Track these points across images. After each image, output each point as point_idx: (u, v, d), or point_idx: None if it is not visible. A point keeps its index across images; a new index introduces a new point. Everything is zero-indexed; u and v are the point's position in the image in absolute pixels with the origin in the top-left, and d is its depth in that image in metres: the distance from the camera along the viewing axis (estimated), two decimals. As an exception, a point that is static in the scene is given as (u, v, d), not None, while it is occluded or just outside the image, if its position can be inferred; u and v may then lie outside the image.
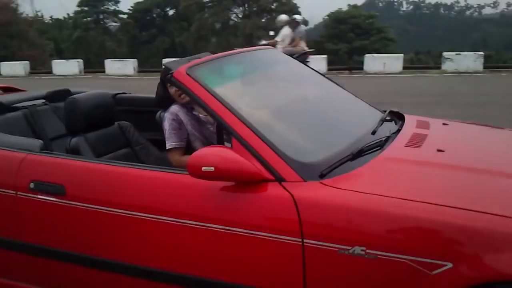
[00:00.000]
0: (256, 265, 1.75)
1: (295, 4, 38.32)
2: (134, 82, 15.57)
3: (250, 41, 38.08)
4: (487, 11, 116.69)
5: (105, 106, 2.65)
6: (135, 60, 20.02)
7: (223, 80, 2.22)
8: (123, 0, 44.09)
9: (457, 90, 10.49)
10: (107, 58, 20.43)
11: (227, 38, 37.89)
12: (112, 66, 19.44)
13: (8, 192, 2.18)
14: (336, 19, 37.80)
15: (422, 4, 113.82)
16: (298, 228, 1.64)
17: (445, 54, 15.13)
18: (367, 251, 1.56)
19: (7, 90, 3.55)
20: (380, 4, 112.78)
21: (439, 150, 1.99)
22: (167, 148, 2.69)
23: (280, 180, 1.74)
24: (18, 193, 2.15)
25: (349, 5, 40.33)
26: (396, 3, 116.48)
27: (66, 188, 2.04)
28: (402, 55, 16.12)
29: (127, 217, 1.94)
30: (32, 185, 2.10)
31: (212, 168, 1.69)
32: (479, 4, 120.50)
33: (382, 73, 14.26)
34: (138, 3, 42.65)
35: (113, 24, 44.60)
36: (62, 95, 3.15)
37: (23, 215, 2.17)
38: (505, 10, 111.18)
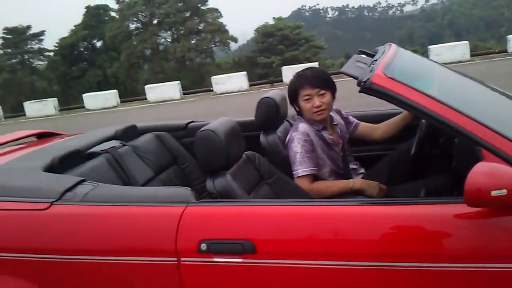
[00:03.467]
0: None
1: (222, 23, 38.69)
2: (54, 122, 15.26)
3: (183, 63, 38.11)
4: (408, 8, 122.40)
5: (237, 135, 2.20)
6: (55, 99, 19.70)
7: (420, 80, 1.88)
8: (47, 38, 42.68)
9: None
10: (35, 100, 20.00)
11: (159, 63, 37.64)
12: (32, 108, 19.02)
13: (166, 261, 1.71)
14: (264, 33, 38.47)
15: (347, 9, 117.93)
16: None
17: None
18: None
19: (43, 136, 3.21)
20: (307, 14, 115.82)
21: None
22: (299, 175, 2.38)
23: None
24: (182, 259, 1.69)
25: (274, 18, 41.13)
26: (322, 11, 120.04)
27: (255, 244, 1.64)
28: (316, 63, 16.66)
29: (346, 269, 1.57)
30: (203, 246, 1.67)
31: (505, 191, 1.36)
32: (399, 3, 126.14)
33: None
34: (62, 39, 41.55)
35: (40, 63, 43.31)
36: (132, 132, 2.90)
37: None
38: (424, 5, 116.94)
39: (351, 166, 2.67)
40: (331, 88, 2.50)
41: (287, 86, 2.60)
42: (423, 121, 2.55)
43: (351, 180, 2.45)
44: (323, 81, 2.48)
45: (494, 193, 1.35)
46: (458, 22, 74.71)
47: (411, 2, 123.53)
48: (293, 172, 2.40)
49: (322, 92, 2.45)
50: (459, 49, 16.50)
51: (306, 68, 2.59)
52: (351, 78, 1.85)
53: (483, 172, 1.40)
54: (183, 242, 1.69)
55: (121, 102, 19.41)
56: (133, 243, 1.77)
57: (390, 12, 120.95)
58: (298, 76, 2.53)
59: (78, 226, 1.85)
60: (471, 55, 16.67)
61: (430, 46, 17.51)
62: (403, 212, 1.61)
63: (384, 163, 2.69)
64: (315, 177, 2.42)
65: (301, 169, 2.37)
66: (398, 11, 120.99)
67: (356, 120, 2.81)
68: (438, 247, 1.52)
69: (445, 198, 1.65)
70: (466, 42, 17.20)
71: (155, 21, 38.99)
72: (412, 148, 2.55)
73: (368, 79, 1.66)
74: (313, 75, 2.49)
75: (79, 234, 1.84)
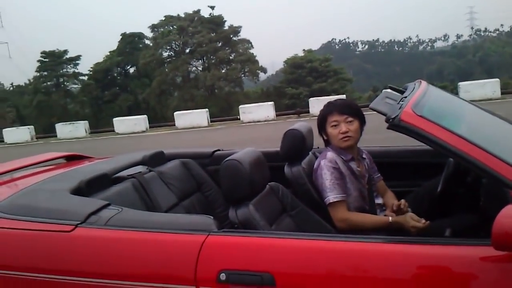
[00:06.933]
0: None
1: (252, 53, 39.31)
2: (84, 144, 15.58)
3: (212, 91, 38.70)
4: (439, 44, 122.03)
5: (262, 166, 2.21)
6: (86, 122, 20.27)
7: (449, 119, 1.88)
8: (82, 62, 44.08)
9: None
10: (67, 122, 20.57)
11: (189, 91, 38.32)
12: (63, 129, 19.53)
13: None
14: (293, 64, 38.86)
15: (377, 43, 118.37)
16: None
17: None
18: None
19: (72, 158, 3.29)
20: (336, 47, 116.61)
21: None
22: (331, 201, 2.36)
23: None
24: None
25: (304, 50, 41.57)
26: (352, 44, 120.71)
27: (274, 276, 1.62)
28: (344, 95, 16.71)
29: None
30: (223, 276, 1.65)
31: None
32: (430, 39, 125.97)
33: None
34: (97, 64, 42.94)
35: (74, 87, 44.65)
36: (159, 158, 2.97)
37: None
38: (456, 42, 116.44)
39: (377, 201, 2.64)
40: (360, 117, 2.51)
41: (314, 117, 2.62)
42: (451, 159, 2.52)
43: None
44: (351, 109, 2.50)
45: None
46: (489, 59, 73.91)
47: (442, 38, 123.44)
48: (325, 199, 2.38)
49: (350, 119, 2.47)
50: (490, 87, 16.28)
51: (337, 99, 2.62)
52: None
53: (511, 215, 1.37)
54: (202, 271, 1.68)
55: (150, 127, 19.73)
56: (153, 269, 1.78)
57: (421, 47, 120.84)
58: (328, 104, 2.58)
59: (101, 250, 1.87)
60: (502, 93, 16.42)
61: (459, 83, 17.32)
62: (428, 252, 1.57)
63: (409, 200, 2.65)
64: None
65: (332, 195, 2.36)
66: (429, 47, 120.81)
67: (379, 174, 2.78)
68: None
69: (471, 240, 1.61)
70: (497, 79, 16.98)
71: (187, 50, 39.98)
72: (439, 186, 2.51)
73: (397, 116, 1.67)
74: (342, 103, 2.54)
75: (101, 257, 1.85)
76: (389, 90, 2.36)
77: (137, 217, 2.00)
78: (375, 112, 1.98)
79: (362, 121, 2.53)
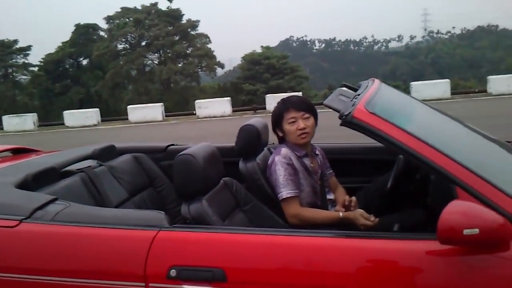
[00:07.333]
0: None
1: (210, 48, 39.03)
2: (32, 138, 15.05)
3: (168, 86, 38.19)
4: (393, 44, 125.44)
5: (216, 161, 2.19)
6: (35, 114, 19.54)
7: (400, 117, 1.89)
8: (35, 53, 42.46)
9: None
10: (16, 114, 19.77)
11: (144, 84, 37.64)
12: (10, 122, 18.84)
13: (133, 286, 1.66)
14: (251, 61, 38.89)
15: (333, 42, 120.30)
16: None
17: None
18: None
19: (19, 151, 3.13)
20: (294, 44, 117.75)
21: None
22: (284, 197, 2.36)
23: None
24: (150, 284, 1.64)
25: (262, 46, 41.68)
26: (309, 42, 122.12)
27: (226, 272, 1.61)
28: (300, 92, 16.88)
29: None
30: (173, 272, 1.63)
31: (477, 231, 1.36)
32: (385, 39, 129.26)
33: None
34: (49, 54, 41.42)
35: (23, 78, 42.92)
36: (109, 152, 2.84)
37: None
38: (409, 43, 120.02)
39: (328, 197, 2.66)
40: (314, 114, 2.54)
41: (270, 114, 2.61)
42: (401, 156, 2.57)
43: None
44: (307, 106, 2.53)
45: (466, 232, 1.36)
46: (441, 60, 76.66)
47: (396, 39, 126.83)
48: (278, 195, 2.39)
49: (307, 115, 2.50)
50: (440, 87, 16.92)
51: (291, 95, 2.64)
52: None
53: (457, 210, 1.41)
54: (152, 267, 1.65)
55: (102, 121, 19.29)
56: (101, 266, 1.73)
57: (376, 47, 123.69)
58: (283, 101, 2.58)
59: (47, 246, 1.81)
60: (452, 93, 17.12)
61: (412, 83, 17.91)
62: (376, 246, 1.61)
63: (360, 195, 2.69)
64: None
65: (285, 191, 2.37)
66: (383, 47, 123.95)
67: (331, 171, 2.81)
68: (409, 283, 1.52)
69: (418, 234, 1.66)
70: (448, 80, 17.68)
71: (143, 43, 39.16)
72: (389, 183, 2.55)
73: (350, 113, 1.69)
74: (299, 100, 2.57)
75: (47, 253, 1.79)
76: (343, 88, 2.38)
77: (85, 212, 1.94)
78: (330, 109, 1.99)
79: (316, 118, 2.56)
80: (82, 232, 1.80)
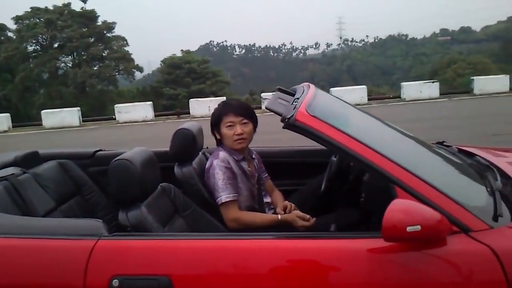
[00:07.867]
0: None
1: (127, 51, 37.95)
2: None
3: (83, 89, 36.57)
4: (311, 51, 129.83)
5: (153, 166, 2.12)
6: None
7: (338, 119, 1.94)
8: None
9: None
10: None
11: (57, 88, 35.76)
12: None
13: None
14: (171, 64, 38.41)
15: (253, 48, 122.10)
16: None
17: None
18: None
19: None
20: (214, 49, 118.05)
21: None
22: (223, 201, 2.32)
23: (466, 230, 1.55)
24: None
25: (182, 50, 41.30)
26: (229, 48, 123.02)
27: (172, 279, 1.56)
28: (223, 98, 17.01)
29: None
30: (115, 282, 1.56)
31: (418, 227, 1.43)
32: (303, 46, 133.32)
33: (208, 116, 14.93)
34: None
35: None
36: (34, 159, 2.60)
37: None
38: (326, 50, 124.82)
39: (265, 200, 2.69)
40: (253, 119, 2.54)
41: (194, 118, 2.58)
42: (333, 158, 2.65)
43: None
44: (247, 111, 2.52)
45: (409, 229, 1.42)
46: (356, 68, 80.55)
47: (314, 46, 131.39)
48: (217, 199, 2.36)
49: (245, 121, 2.49)
50: (358, 93, 17.75)
51: (232, 99, 2.61)
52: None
53: (399, 209, 1.46)
54: (93, 278, 1.57)
55: (14, 126, 18.12)
56: (36, 279, 1.61)
57: (294, 54, 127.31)
58: (224, 104, 2.56)
59: None
60: (368, 99, 18.01)
61: (331, 89, 18.59)
62: (318, 246, 1.64)
63: (295, 197, 2.74)
64: None
65: (224, 195, 2.34)
66: (301, 54, 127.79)
67: (267, 174, 2.84)
68: (352, 281, 1.54)
69: (358, 233, 1.72)
70: (364, 86, 18.60)
71: (56, 45, 37.19)
72: (322, 184, 2.62)
73: (292, 116, 1.71)
74: (238, 105, 2.55)
75: None
76: (279, 93, 2.42)
77: (12, 222, 1.80)
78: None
79: (255, 124, 2.56)
80: (10, 244, 1.68)
